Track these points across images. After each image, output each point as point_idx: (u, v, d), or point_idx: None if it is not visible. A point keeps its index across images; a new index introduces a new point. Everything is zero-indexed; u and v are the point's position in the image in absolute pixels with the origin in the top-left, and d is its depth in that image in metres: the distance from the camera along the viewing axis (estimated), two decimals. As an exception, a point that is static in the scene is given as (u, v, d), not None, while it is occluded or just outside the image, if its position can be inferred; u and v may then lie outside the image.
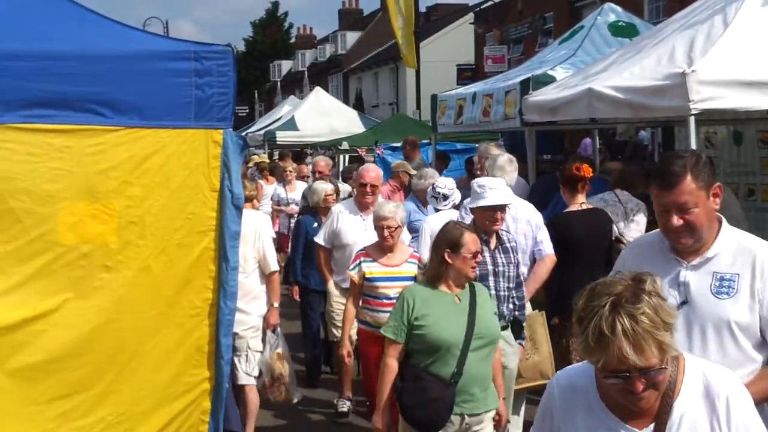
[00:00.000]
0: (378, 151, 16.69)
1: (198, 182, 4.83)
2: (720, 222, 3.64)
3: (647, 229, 7.02)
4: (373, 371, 6.19)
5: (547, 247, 6.72)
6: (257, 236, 6.72)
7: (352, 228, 7.67)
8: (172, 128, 4.72)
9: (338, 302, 7.60)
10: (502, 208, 6.07)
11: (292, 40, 69.88)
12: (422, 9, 33.06)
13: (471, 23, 33.60)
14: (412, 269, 6.69)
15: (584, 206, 7.04)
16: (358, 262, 6.73)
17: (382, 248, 6.77)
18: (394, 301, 5.82)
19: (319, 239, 7.88)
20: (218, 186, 4.86)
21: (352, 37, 54.47)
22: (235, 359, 6.59)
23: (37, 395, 4.65)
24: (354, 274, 6.71)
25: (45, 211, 4.59)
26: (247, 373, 6.80)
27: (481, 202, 6.07)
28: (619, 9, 10.56)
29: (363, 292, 6.74)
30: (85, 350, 4.72)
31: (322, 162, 11.78)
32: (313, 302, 8.75)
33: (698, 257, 3.58)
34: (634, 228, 7.26)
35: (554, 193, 7.90)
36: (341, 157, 20.00)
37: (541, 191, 8.45)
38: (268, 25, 70.16)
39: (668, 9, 17.93)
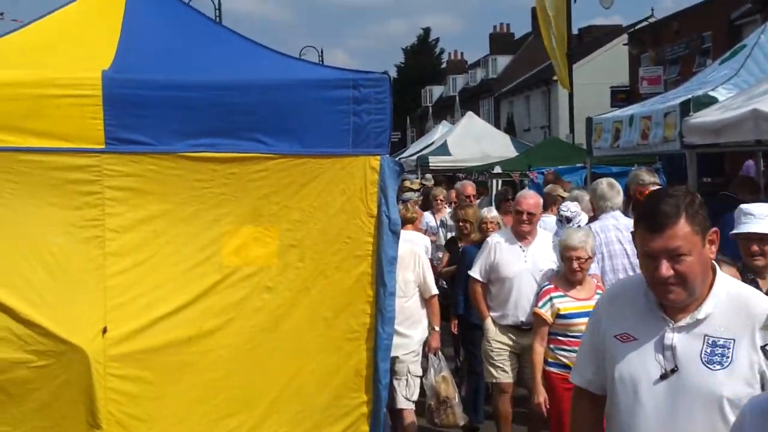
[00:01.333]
0: (532, 176, 16.54)
1: (356, 207, 4.93)
2: (714, 273, 3.13)
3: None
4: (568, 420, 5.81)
5: None
6: (416, 260, 6.78)
7: (511, 260, 7.07)
8: (331, 155, 4.84)
9: (496, 341, 7.10)
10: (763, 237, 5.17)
11: (444, 66, 70.43)
12: (575, 31, 32.59)
13: (625, 44, 32.87)
14: None
15: None
16: (548, 297, 6.21)
17: (570, 281, 6.25)
18: None
19: (475, 273, 7.23)
20: (375, 211, 4.95)
21: (503, 61, 54.35)
22: (395, 383, 6.63)
23: (204, 413, 4.84)
24: (545, 312, 6.17)
25: (211, 235, 4.80)
26: (407, 398, 6.80)
27: (742, 228, 5.26)
28: (783, 25, 10.13)
29: (552, 332, 6.21)
30: (248, 370, 4.88)
31: (470, 186, 11.23)
32: (476, 338, 7.79)
33: (687, 316, 3.07)
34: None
35: (719, 217, 7.61)
36: (494, 181, 19.93)
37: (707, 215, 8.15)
38: (420, 51, 70.97)
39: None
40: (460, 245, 8.78)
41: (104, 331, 4.60)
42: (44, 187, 4.56)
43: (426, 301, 6.99)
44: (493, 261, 7.08)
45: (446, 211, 12.31)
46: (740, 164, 13.59)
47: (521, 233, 7.09)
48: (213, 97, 4.67)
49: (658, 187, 8.67)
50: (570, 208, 7.77)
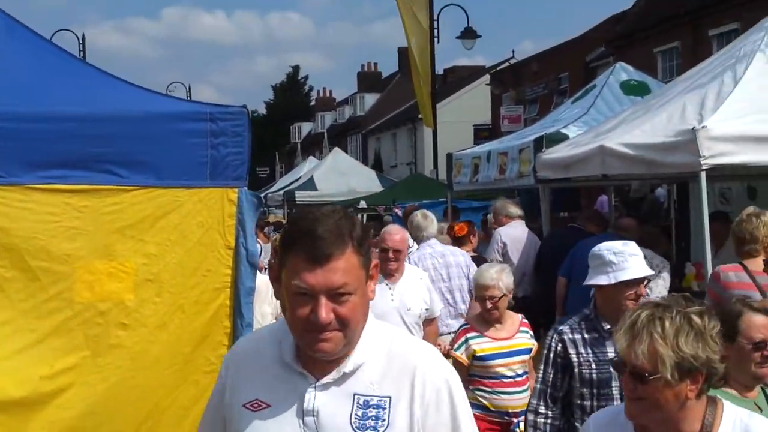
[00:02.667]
0: (396, 210, 16.80)
1: (213, 240, 4.90)
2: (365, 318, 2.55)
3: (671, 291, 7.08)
4: None
5: None
6: (271, 292, 6.74)
7: (377, 299, 6.76)
8: (188, 187, 4.81)
9: None
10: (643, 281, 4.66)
11: (312, 103, 70.72)
12: (440, 71, 33.32)
13: (487, 84, 33.90)
14: (525, 340, 5.87)
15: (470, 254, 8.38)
16: (463, 339, 5.85)
17: (486, 320, 5.91)
18: (514, 380, 5.52)
19: None
20: (233, 243, 4.93)
21: (370, 98, 55.04)
22: None
23: None
24: (460, 355, 5.79)
25: (63, 270, 4.66)
26: None
27: (622, 276, 4.58)
28: (630, 68, 10.70)
29: (472, 373, 5.82)
30: (103, 408, 4.74)
31: None
32: None
33: (333, 371, 2.48)
34: (661, 285, 7.29)
35: (566, 247, 7.95)
36: (359, 215, 20.13)
37: (553, 245, 8.49)
38: (289, 88, 71.13)
39: (681, 69, 18.05)
40: None
41: (-54, 370, 4.42)
42: None
43: None
44: None
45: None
46: (595, 199, 14.18)
47: (388, 271, 6.63)
48: (64, 129, 4.58)
49: (519, 219, 9.01)
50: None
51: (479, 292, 5.88)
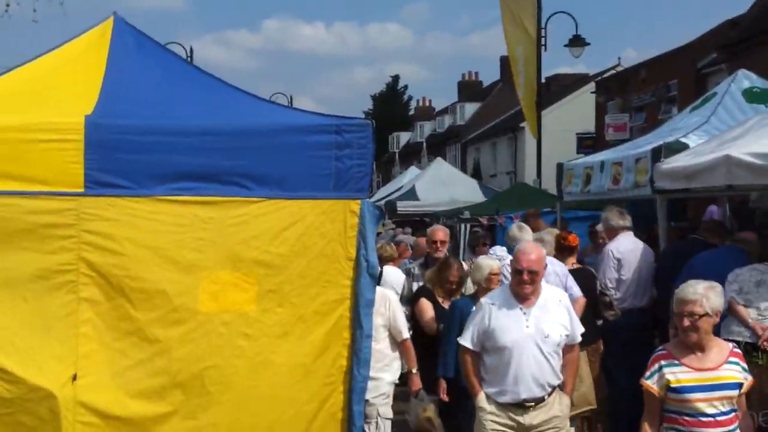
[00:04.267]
0: (500, 220, 16.61)
1: (335, 251, 4.91)
2: None
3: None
4: None
5: (576, 291, 7.46)
6: (386, 304, 6.68)
7: (510, 325, 5.73)
8: (312, 199, 4.84)
9: (492, 421, 5.75)
10: None
11: (412, 112, 70.91)
12: (542, 80, 33.10)
13: (592, 92, 33.35)
14: (735, 373, 4.89)
15: (575, 266, 8.13)
16: (657, 366, 4.95)
17: (686, 345, 4.95)
18: (716, 419, 4.67)
19: (465, 340, 5.86)
20: (354, 255, 4.93)
21: (470, 108, 54.77)
22: (365, 426, 6.57)
23: None
24: (652, 384, 4.95)
25: (188, 280, 4.74)
26: None
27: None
28: (753, 75, 10.27)
29: (666, 408, 4.97)
30: (225, 419, 4.79)
31: (441, 231, 9.28)
32: (469, 407, 6.29)
33: None
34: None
35: (685, 259, 7.69)
36: (463, 226, 20.00)
37: (674, 256, 8.22)
38: (388, 98, 71.54)
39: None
40: (440, 299, 7.50)
41: (74, 378, 4.53)
42: (19, 231, 4.50)
43: (399, 345, 6.85)
44: (487, 327, 5.76)
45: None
46: (703, 209, 13.75)
47: (522, 294, 5.78)
48: (196, 142, 4.67)
49: (628, 230, 8.76)
50: (496, 252, 8.10)
51: (678, 307, 4.95)
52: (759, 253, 7.58)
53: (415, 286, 8.42)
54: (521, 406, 5.68)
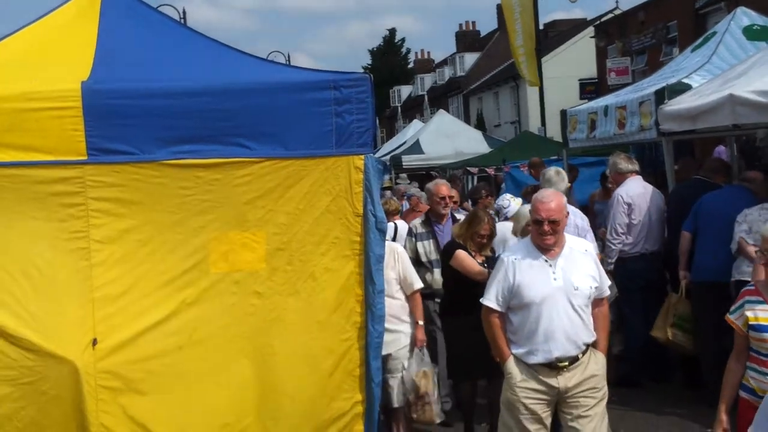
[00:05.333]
0: (506, 170, 16.59)
1: (342, 207, 4.92)
2: None
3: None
4: None
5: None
6: (396, 257, 6.69)
7: (536, 280, 5.34)
8: (315, 157, 4.84)
9: (524, 388, 5.32)
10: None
11: (411, 66, 70.49)
12: (540, 27, 32.69)
13: (591, 37, 33.07)
14: None
15: None
16: (741, 302, 4.74)
17: None
18: None
19: (489, 300, 5.41)
20: (362, 210, 4.94)
21: (470, 58, 54.46)
22: (391, 381, 6.58)
23: (199, 423, 4.81)
24: (735, 320, 4.75)
25: (197, 242, 4.77)
26: (403, 393, 6.75)
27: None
28: (752, 12, 10.15)
29: (750, 346, 4.71)
30: (241, 377, 4.85)
31: (444, 186, 8.55)
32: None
33: None
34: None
35: (691, 201, 7.68)
36: (469, 178, 19.97)
37: (681, 199, 8.20)
38: (386, 52, 71.04)
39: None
40: (472, 253, 7.01)
41: (94, 342, 4.57)
42: (27, 201, 4.51)
43: (408, 297, 6.75)
44: (512, 283, 5.36)
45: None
46: (711, 150, 13.69)
47: (545, 245, 5.39)
48: (194, 104, 4.65)
49: (636, 174, 8.73)
50: (505, 197, 8.16)
51: (764, 245, 4.68)
52: (766, 192, 7.56)
53: (420, 247, 7.94)
54: (554, 366, 5.25)
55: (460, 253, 6.93)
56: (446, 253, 7.21)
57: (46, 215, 4.54)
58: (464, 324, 6.24)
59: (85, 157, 4.53)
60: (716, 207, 7.38)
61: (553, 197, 5.38)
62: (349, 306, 4.98)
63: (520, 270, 5.33)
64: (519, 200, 8.17)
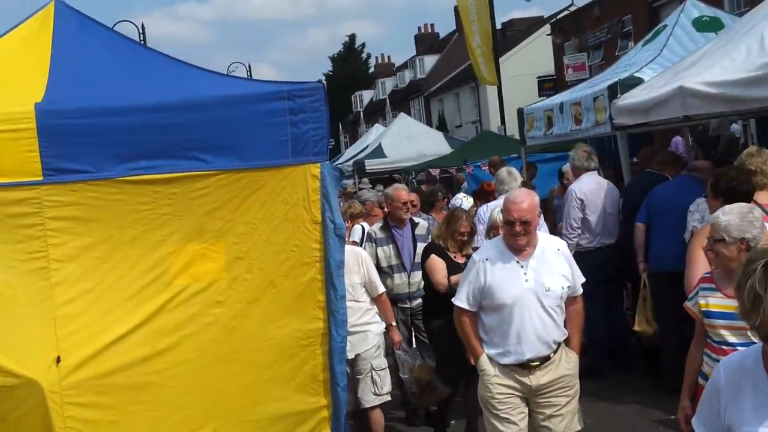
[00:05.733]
0: (468, 170, 16.73)
1: (300, 215, 4.97)
2: None
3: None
4: None
5: None
6: (360, 261, 6.71)
7: (508, 280, 5.32)
8: (271, 167, 4.88)
9: (498, 384, 5.38)
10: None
11: (371, 70, 70.61)
12: (498, 26, 32.84)
13: (548, 35, 33.39)
14: None
15: None
16: (697, 290, 4.82)
17: (728, 275, 4.66)
18: (736, 348, 4.35)
19: (460, 300, 5.46)
20: (320, 218, 4.99)
21: (430, 60, 54.74)
22: (361, 383, 6.62)
23: (168, 428, 4.84)
24: (692, 306, 4.82)
25: (157, 256, 4.80)
26: (376, 393, 6.68)
27: None
28: (701, 4, 10.34)
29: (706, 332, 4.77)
30: (205, 384, 4.90)
31: (404, 191, 8.35)
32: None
33: None
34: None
35: (647, 192, 7.83)
36: (432, 180, 20.06)
37: (634, 192, 8.35)
38: (347, 58, 71.11)
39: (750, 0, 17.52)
40: (452, 254, 6.99)
41: (58, 360, 4.57)
42: None
43: (375, 301, 6.82)
44: (483, 284, 5.35)
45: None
46: (668, 141, 13.89)
47: (516, 246, 5.33)
48: (149, 120, 4.68)
49: (592, 171, 8.87)
50: (458, 197, 8.87)
51: (711, 233, 4.76)
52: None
53: (380, 252, 7.90)
54: (526, 366, 5.31)
55: (432, 260, 6.91)
56: (423, 256, 7.21)
57: (4, 237, 4.54)
58: (447, 324, 6.21)
59: (41, 178, 4.53)
60: (667, 198, 7.55)
61: (525, 197, 5.36)
62: (310, 312, 5.03)
63: (491, 271, 5.32)
64: (471, 199, 8.31)
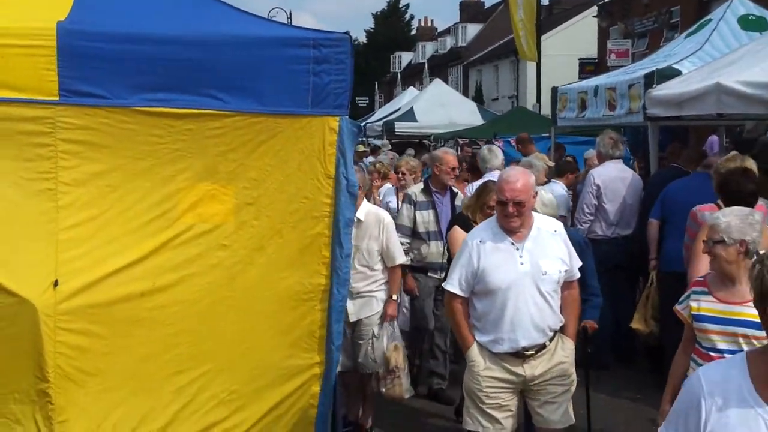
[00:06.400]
0: (497, 144, 16.56)
1: (313, 167, 4.89)
2: None
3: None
4: None
5: None
6: (381, 227, 6.55)
7: (501, 263, 5.07)
8: (289, 114, 4.80)
9: (489, 377, 5.15)
10: None
11: (413, 32, 70.10)
12: (545, 2, 32.48)
13: (594, 16, 32.91)
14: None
15: None
16: (688, 293, 4.67)
17: (722, 279, 4.57)
18: (724, 356, 4.24)
19: (452, 285, 5.18)
20: (333, 172, 4.91)
21: (472, 29, 54.21)
22: (361, 347, 6.56)
23: (156, 368, 4.82)
24: (682, 310, 4.68)
25: (166, 191, 4.75)
26: (374, 360, 6.57)
27: None
28: (749, 2, 10.11)
29: (694, 338, 4.63)
30: (200, 327, 4.87)
31: (452, 157, 8.07)
32: None
33: None
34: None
35: (665, 184, 7.71)
36: (457, 149, 19.91)
37: (656, 188, 8.22)
38: (390, 17, 70.59)
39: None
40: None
41: (55, 284, 4.54)
42: None
43: (388, 270, 6.63)
44: (476, 267, 5.07)
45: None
46: (705, 139, 13.69)
47: (510, 227, 5.07)
48: (170, 52, 4.59)
49: (616, 159, 8.74)
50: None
51: (708, 234, 4.62)
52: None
53: (419, 216, 7.59)
54: (520, 355, 5.07)
55: (455, 231, 6.53)
56: (448, 226, 6.97)
57: (13, 154, 4.49)
58: None
59: (57, 98, 4.47)
60: (681, 195, 7.41)
61: (519, 176, 5.11)
62: (313, 267, 4.97)
63: (484, 253, 5.08)
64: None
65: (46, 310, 4.50)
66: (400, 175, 9.46)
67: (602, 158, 8.77)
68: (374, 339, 6.57)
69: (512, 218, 5.03)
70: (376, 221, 6.44)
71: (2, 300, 4.46)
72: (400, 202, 8.36)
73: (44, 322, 4.51)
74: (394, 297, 6.72)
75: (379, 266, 6.62)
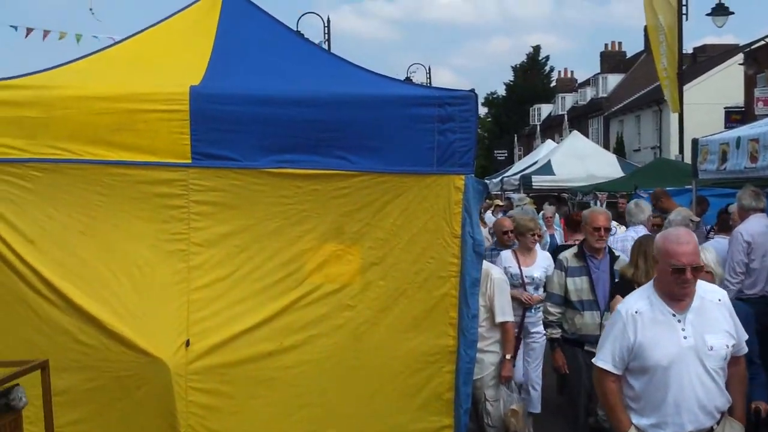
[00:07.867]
0: (643, 196, 16.09)
1: (439, 227, 4.85)
2: None
3: None
4: None
5: None
6: (488, 283, 6.33)
7: (662, 338, 4.47)
8: (415, 173, 4.78)
9: None
10: None
11: (553, 84, 69.63)
12: (689, 50, 31.78)
13: (740, 64, 31.84)
14: None
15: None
16: None
17: None
18: None
19: (604, 362, 4.56)
20: (459, 231, 4.85)
21: (613, 79, 53.33)
22: (473, 410, 6.39)
23: (283, 429, 4.83)
24: None
25: (294, 251, 4.80)
26: (488, 425, 6.35)
27: None
28: None
29: None
30: (328, 387, 4.85)
31: (603, 216, 7.18)
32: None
33: None
34: None
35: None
36: (597, 203, 19.49)
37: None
38: (529, 69, 70.39)
39: None
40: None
41: (187, 344, 4.64)
42: (131, 201, 4.64)
43: (499, 329, 6.38)
44: (632, 342, 4.49)
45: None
46: None
47: (676, 295, 4.49)
48: (298, 114, 4.68)
49: (760, 212, 8.30)
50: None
51: None
52: None
53: (570, 283, 6.92)
54: None
55: (617, 302, 5.57)
56: (610, 294, 6.41)
57: (149, 216, 4.65)
58: None
59: (190, 161, 4.62)
60: None
61: (689, 237, 4.52)
62: (440, 328, 4.90)
63: (642, 326, 4.48)
64: (623, 228, 8.08)
65: (178, 369, 4.59)
66: (506, 236, 8.54)
67: (744, 213, 8.34)
68: (487, 402, 6.37)
69: (688, 285, 4.45)
70: (484, 276, 6.18)
71: (137, 359, 4.58)
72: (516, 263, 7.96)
73: (176, 381, 4.59)
74: (508, 356, 6.43)
75: (485, 323, 6.31)
